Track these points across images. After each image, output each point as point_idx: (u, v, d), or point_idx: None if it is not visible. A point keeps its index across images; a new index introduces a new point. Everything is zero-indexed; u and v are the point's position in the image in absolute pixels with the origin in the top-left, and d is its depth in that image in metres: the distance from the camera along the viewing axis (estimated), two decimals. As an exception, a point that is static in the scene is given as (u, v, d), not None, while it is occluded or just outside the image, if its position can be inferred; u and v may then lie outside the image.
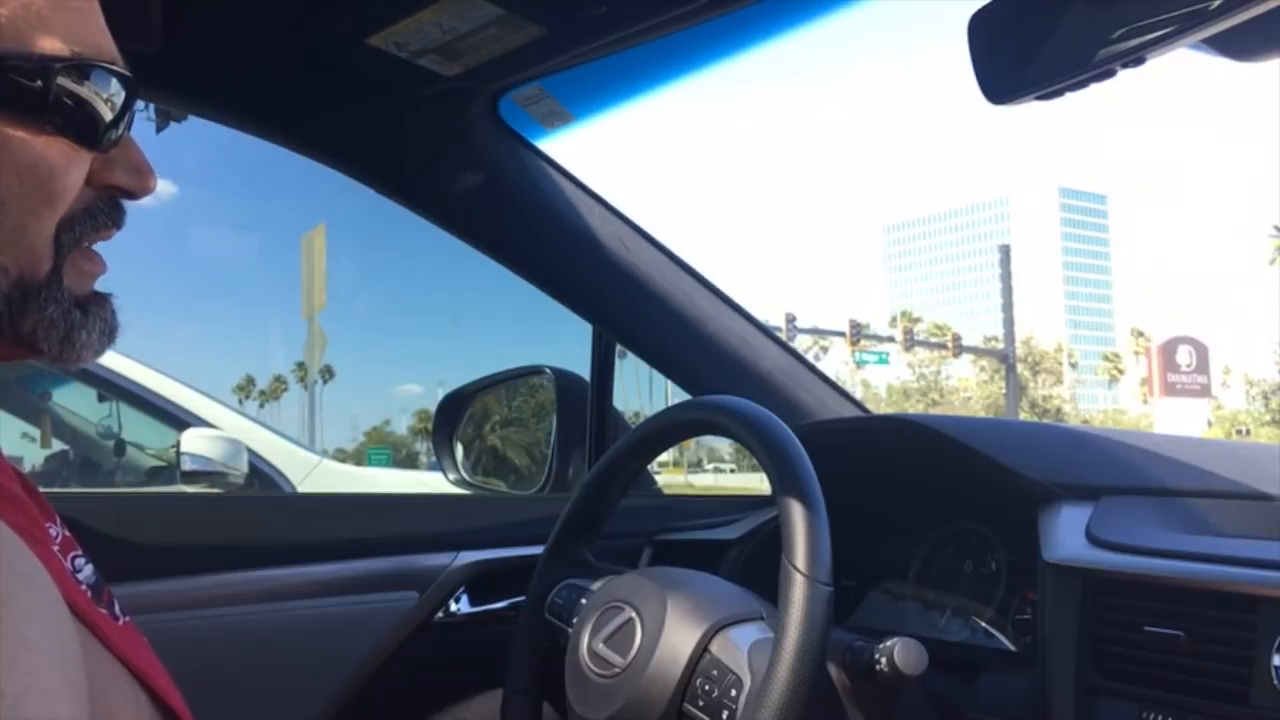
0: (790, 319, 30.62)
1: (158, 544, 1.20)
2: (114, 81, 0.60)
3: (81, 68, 0.58)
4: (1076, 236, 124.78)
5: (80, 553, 0.64)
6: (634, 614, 0.97)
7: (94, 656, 0.55)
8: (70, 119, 0.58)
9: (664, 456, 1.26)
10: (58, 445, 3.58)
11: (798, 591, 0.86)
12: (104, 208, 0.63)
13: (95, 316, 0.63)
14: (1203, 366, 38.37)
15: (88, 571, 0.63)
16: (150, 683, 0.59)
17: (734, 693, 0.89)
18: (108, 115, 0.60)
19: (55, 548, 0.60)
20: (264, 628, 1.22)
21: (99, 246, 0.65)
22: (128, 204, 0.65)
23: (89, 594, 0.60)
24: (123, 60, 0.62)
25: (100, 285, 0.65)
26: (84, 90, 0.58)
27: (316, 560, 1.27)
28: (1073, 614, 0.99)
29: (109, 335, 0.64)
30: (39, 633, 0.45)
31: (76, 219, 0.60)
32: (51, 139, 0.57)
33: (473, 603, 1.35)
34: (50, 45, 0.57)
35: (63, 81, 0.57)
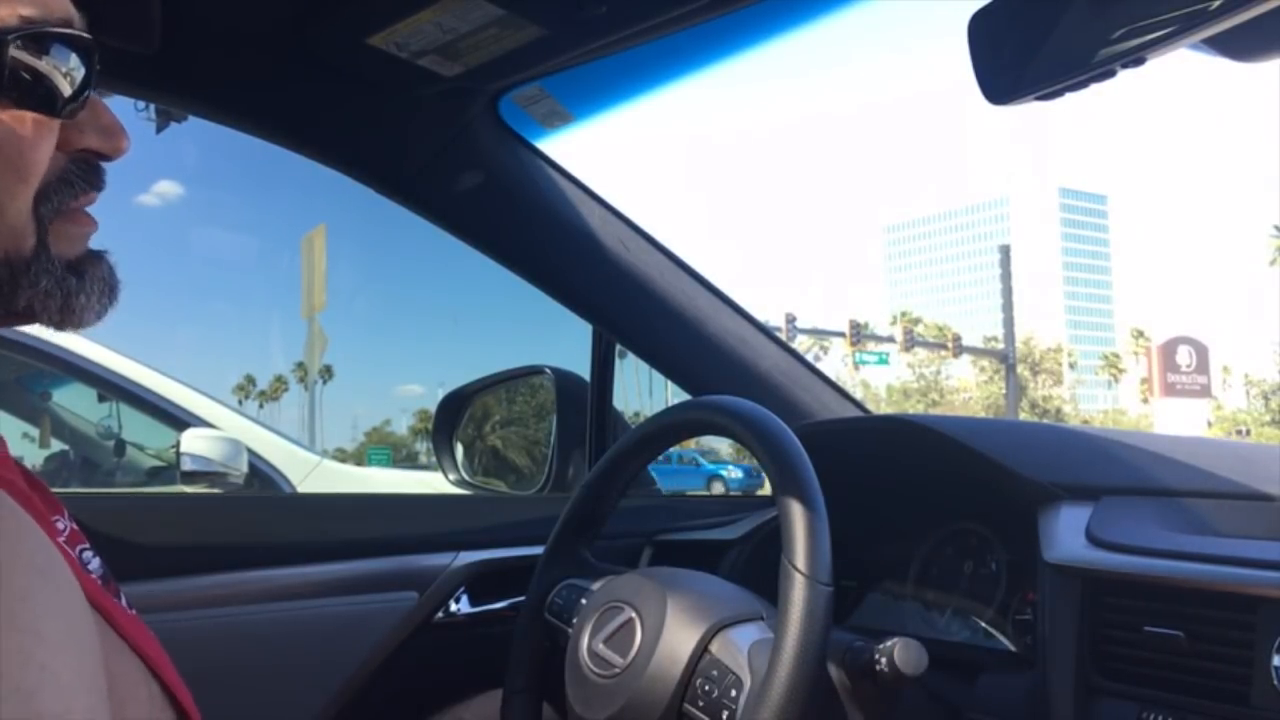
0: (790, 319, 30.61)
1: (158, 544, 1.20)
2: (72, 47, 0.58)
3: (37, 37, 0.56)
4: (1076, 236, 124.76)
5: (88, 546, 0.64)
6: (634, 614, 0.97)
7: (108, 642, 0.55)
8: (29, 90, 0.56)
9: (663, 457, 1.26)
10: (58, 445, 3.58)
11: (798, 591, 0.86)
12: (79, 172, 0.61)
13: (91, 278, 0.61)
14: (1203, 366, 38.35)
15: (96, 564, 0.63)
16: (160, 673, 0.59)
17: (734, 693, 0.89)
18: (66, 88, 0.57)
19: (62, 539, 0.60)
20: (264, 628, 1.22)
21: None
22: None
23: (100, 584, 0.60)
24: (80, 19, 0.59)
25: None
26: (42, 61, 0.56)
27: (316, 560, 1.27)
28: (1073, 614, 0.99)
29: (109, 294, 0.63)
30: (56, 627, 0.44)
31: (52, 189, 0.59)
32: (14, 113, 0.55)
33: (473, 603, 1.35)
34: (2, 13, 0.55)
35: (17, 53, 0.55)
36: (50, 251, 0.59)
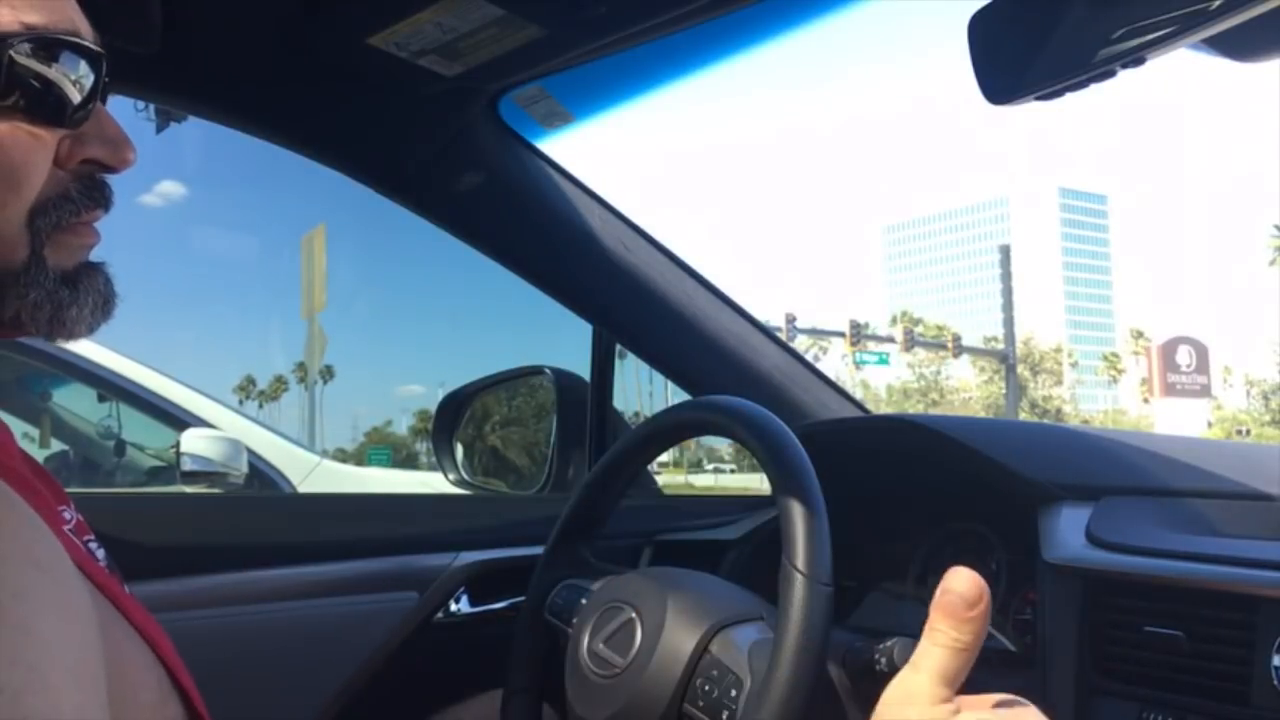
0: (790, 319, 30.61)
1: (158, 544, 1.20)
2: (79, 55, 0.56)
3: (42, 43, 0.55)
4: (1076, 236, 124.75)
5: (93, 537, 0.64)
6: (634, 614, 0.97)
7: (118, 630, 0.55)
8: (33, 99, 0.54)
9: (664, 456, 1.26)
10: (58, 445, 3.58)
11: (798, 591, 0.86)
12: (81, 189, 0.59)
13: (86, 290, 0.60)
14: (1203, 366, 38.36)
15: (101, 555, 0.63)
16: (166, 660, 0.59)
17: (734, 693, 0.89)
18: (74, 95, 0.56)
19: (68, 528, 0.60)
20: (264, 628, 1.22)
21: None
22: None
23: (107, 574, 0.60)
24: (90, 31, 0.58)
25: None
26: (49, 70, 0.55)
27: (316, 560, 1.27)
28: (1073, 614, 0.99)
29: (103, 308, 0.61)
30: (50, 625, 0.44)
31: (51, 204, 0.57)
32: (12, 123, 0.54)
33: (473, 603, 1.35)
34: (4, 18, 0.54)
35: (21, 59, 0.54)
36: (46, 263, 0.58)
